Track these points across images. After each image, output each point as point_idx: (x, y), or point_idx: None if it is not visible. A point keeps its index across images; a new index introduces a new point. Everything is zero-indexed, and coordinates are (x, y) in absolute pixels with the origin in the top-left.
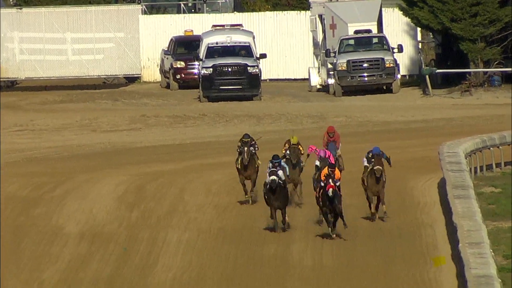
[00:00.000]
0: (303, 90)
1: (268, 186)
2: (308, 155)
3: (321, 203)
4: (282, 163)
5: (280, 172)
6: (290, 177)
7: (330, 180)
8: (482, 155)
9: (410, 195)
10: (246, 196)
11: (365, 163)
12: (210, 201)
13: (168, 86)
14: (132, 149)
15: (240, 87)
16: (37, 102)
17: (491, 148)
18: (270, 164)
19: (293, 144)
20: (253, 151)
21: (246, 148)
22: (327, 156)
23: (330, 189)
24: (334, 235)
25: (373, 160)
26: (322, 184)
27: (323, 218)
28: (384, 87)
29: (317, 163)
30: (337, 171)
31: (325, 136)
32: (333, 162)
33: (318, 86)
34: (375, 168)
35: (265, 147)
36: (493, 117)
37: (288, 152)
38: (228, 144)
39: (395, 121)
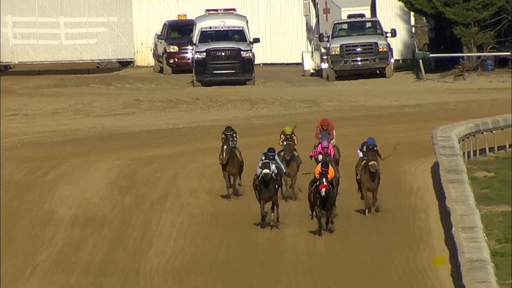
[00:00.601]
0: (297, 74)
1: (260, 178)
2: (311, 157)
3: (312, 200)
4: (276, 158)
5: (273, 166)
6: (287, 173)
7: (324, 180)
8: (476, 139)
9: (403, 180)
10: (229, 192)
11: (360, 155)
12: (203, 185)
13: (161, 71)
14: (126, 133)
15: (234, 71)
16: (31, 86)
17: (485, 133)
18: (264, 156)
19: (287, 134)
20: (234, 145)
21: (225, 147)
22: (328, 148)
23: (323, 189)
24: (325, 228)
25: (367, 154)
26: (317, 182)
27: (313, 215)
28: (378, 72)
29: (320, 157)
30: (331, 170)
31: (318, 129)
32: (332, 153)
33: (312, 71)
34: (370, 163)
35: (259, 131)
36: (486, 102)
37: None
38: (221, 128)
39: (389, 106)
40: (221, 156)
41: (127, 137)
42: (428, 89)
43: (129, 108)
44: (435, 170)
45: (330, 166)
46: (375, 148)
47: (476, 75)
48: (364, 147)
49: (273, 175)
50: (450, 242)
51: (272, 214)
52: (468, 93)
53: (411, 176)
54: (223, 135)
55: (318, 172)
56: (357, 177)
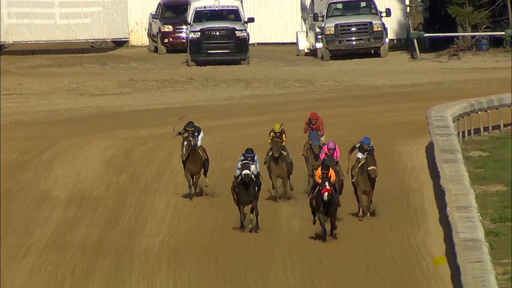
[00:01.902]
0: (291, 54)
1: (239, 180)
2: (324, 160)
3: (314, 205)
4: (256, 159)
5: (253, 167)
6: (275, 173)
7: (327, 183)
8: (470, 119)
9: (397, 159)
10: (191, 191)
11: (359, 155)
12: None
13: (156, 50)
14: (120, 113)
15: (228, 51)
16: (25, 66)
17: (479, 112)
18: (242, 157)
19: (276, 132)
20: (196, 142)
21: (185, 143)
22: (335, 148)
23: (326, 193)
24: (329, 236)
25: (366, 157)
26: (319, 186)
27: (318, 220)
28: (372, 51)
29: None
30: (332, 173)
31: (307, 123)
32: (338, 156)
33: (306, 50)
34: (369, 168)
35: (254, 111)
36: (481, 81)
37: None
38: (216, 108)
39: (383, 85)
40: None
41: (121, 117)
42: (422, 68)
43: (124, 87)
44: (429, 149)
45: (330, 169)
46: (372, 148)
47: (470, 54)
48: (358, 144)
49: (253, 176)
50: (445, 222)
51: (251, 220)
52: (463, 73)
53: (406, 155)
54: (183, 131)
55: (318, 176)
56: (353, 180)
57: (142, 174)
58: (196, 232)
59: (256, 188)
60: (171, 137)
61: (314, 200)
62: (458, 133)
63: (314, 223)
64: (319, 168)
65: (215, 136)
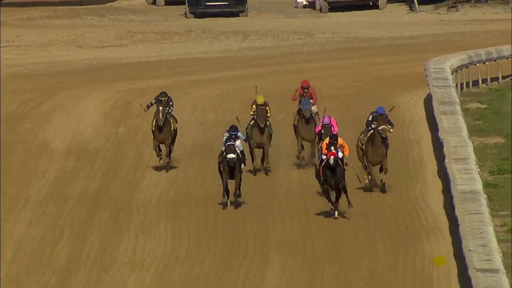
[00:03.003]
0: (290, 6)
1: (225, 160)
2: (321, 131)
3: (322, 177)
4: (239, 134)
5: (238, 143)
6: (259, 141)
7: (332, 148)
8: (469, 71)
9: (396, 111)
10: (161, 161)
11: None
12: (196, 117)
13: (154, 2)
14: (119, 65)
15: (227, 3)
16: (23, 18)
17: (477, 64)
18: (227, 134)
19: (259, 104)
20: (169, 111)
21: (161, 108)
22: (331, 123)
23: (332, 157)
24: (336, 214)
25: (374, 123)
26: (324, 156)
27: (324, 196)
28: (371, 3)
29: (322, 132)
30: (345, 145)
31: (298, 91)
32: (336, 131)
33: (305, 2)
34: (380, 128)
35: (253, 63)
36: (479, 33)
37: (255, 114)
38: (215, 60)
39: (382, 37)
40: (154, 121)
41: (120, 69)
42: (421, 20)
43: (122, 39)
44: (428, 101)
45: (341, 139)
46: (389, 119)
47: (469, 6)
48: (371, 117)
49: (239, 152)
50: (443, 174)
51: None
52: (461, 25)
53: (404, 107)
54: (155, 101)
55: (325, 146)
56: (361, 151)
57: (140, 126)
58: (194, 184)
59: (242, 166)
60: (169, 90)
61: (321, 171)
62: (457, 85)
63: (325, 195)
64: (327, 138)
65: (214, 88)
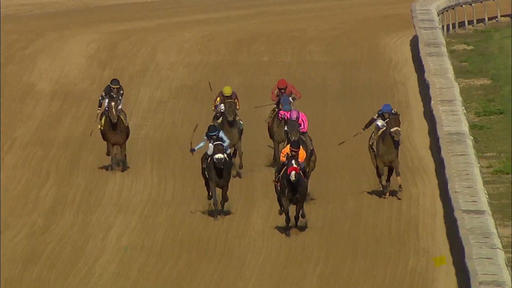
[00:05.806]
0: None
1: (212, 162)
2: (280, 120)
3: (279, 189)
4: (221, 134)
5: (226, 144)
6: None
7: (293, 162)
8: (455, 12)
9: (382, 53)
10: (117, 167)
11: (378, 123)
12: (182, 59)
13: None
14: (104, 6)
15: None
16: None
17: (464, 6)
18: (206, 137)
19: (226, 96)
20: (119, 104)
21: (113, 103)
22: (300, 119)
23: (293, 172)
24: (293, 227)
25: (378, 120)
26: (283, 166)
27: (282, 209)
28: None
29: (286, 128)
30: (301, 152)
31: (276, 91)
32: (306, 127)
33: None
34: (392, 130)
35: (237, 5)
36: None
37: (222, 107)
38: (200, 2)
39: None
40: (103, 119)
41: (105, 10)
42: None
43: None
44: (414, 43)
45: (301, 147)
46: (398, 114)
47: None
48: (376, 115)
49: (227, 159)
50: (429, 115)
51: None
52: None
53: (390, 49)
54: (105, 91)
55: (285, 154)
56: (372, 150)
57: (126, 68)
58: (180, 126)
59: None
60: (155, 31)
61: (279, 184)
62: (443, 26)
63: (281, 213)
64: (288, 145)
65: (199, 30)
